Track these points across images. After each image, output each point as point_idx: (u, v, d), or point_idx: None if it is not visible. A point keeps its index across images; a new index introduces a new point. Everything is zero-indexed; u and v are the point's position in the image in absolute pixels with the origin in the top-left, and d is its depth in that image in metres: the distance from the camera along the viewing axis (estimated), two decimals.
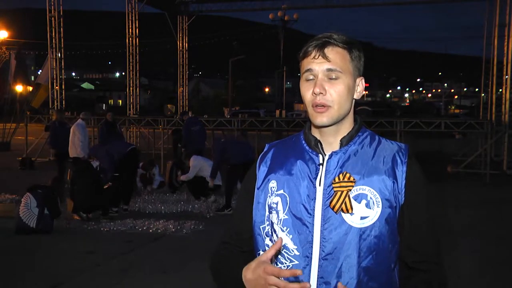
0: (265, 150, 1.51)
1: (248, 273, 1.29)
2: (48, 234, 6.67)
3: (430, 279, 1.37)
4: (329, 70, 1.33)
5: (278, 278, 1.22)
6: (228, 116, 21.66)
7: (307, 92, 1.35)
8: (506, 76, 14.36)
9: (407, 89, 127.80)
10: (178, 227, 7.05)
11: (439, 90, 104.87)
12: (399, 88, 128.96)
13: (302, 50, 1.37)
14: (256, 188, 1.46)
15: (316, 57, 1.34)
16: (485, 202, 9.50)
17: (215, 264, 1.51)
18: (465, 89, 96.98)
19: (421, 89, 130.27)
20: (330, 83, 1.33)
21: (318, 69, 1.33)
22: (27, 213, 6.67)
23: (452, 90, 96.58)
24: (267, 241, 1.43)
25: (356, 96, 1.40)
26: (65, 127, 10.18)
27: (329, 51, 1.33)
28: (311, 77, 1.35)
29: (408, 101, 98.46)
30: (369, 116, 17.34)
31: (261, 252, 1.44)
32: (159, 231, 6.89)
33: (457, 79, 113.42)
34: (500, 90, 15.20)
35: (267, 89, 71.69)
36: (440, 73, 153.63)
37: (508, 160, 13.28)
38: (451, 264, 5.31)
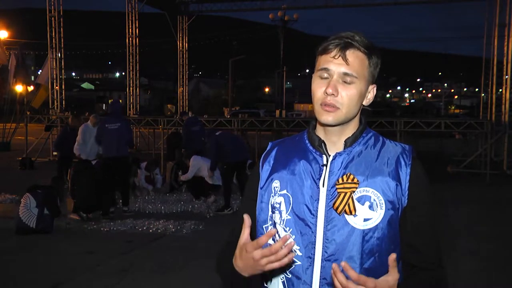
0: (268, 148, 1.51)
1: (237, 261, 1.30)
2: (48, 234, 6.67)
3: (430, 280, 1.37)
4: (346, 74, 1.32)
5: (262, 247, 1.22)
6: (228, 116, 21.68)
7: (318, 89, 1.34)
8: (506, 76, 14.35)
9: (407, 89, 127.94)
10: (178, 227, 7.04)
11: (439, 90, 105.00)
12: (399, 88, 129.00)
13: (323, 45, 1.35)
14: (259, 188, 1.46)
15: (336, 57, 1.32)
16: (485, 202, 9.50)
17: (219, 264, 1.51)
18: (465, 89, 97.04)
19: (421, 89, 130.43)
20: (343, 86, 1.32)
21: (335, 70, 1.32)
22: (27, 214, 6.66)
23: (452, 90, 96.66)
24: (270, 240, 1.43)
25: (365, 102, 1.40)
26: (75, 133, 10.06)
27: (350, 53, 1.32)
28: (326, 75, 1.33)
29: (408, 101, 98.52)
30: (369, 116, 17.34)
31: None
32: (159, 231, 6.89)
33: (457, 79, 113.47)
34: (500, 90, 15.20)
35: (267, 89, 71.65)
36: (440, 73, 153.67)
37: (508, 160, 13.27)
38: (451, 264, 5.31)
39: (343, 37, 1.34)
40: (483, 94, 19.49)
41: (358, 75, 1.33)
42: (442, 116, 39.57)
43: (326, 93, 1.32)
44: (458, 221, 7.71)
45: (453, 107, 69.45)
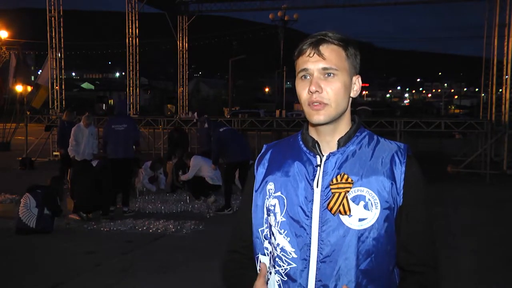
0: (262, 151, 1.50)
1: None
2: (48, 234, 6.67)
3: (423, 282, 1.35)
4: (325, 68, 1.31)
5: None
6: (228, 116, 21.66)
7: (303, 91, 1.34)
8: (506, 76, 14.35)
9: (407, 89, 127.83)
10: (178, 227, 7.04)
11: (439, 90, 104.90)
12: (399, 88, 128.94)
13: (297, 49, 1.36)
14: (254, 191, 1.45)
15: (311, 55, 1.32)
16: (485, 202, 9.50)
17: (227, 279, 1.51)
18: (465, 89, 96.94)
19: (421, 89, 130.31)
20: (326, 81, 1.31)
21: (313, 68, 1.32)
22: (27, 214, 6.66)
23: (452, 90, 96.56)
24: (266, 244, 1.42)
25: (353, 94, 1.38)
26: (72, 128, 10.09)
27: (324, 48, 1.32)
28: (307, 76, 1.33)
29: (408, 100, 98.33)
30: (369, 116, 17.32)
31: (260, 256, 1.44)
32: (159, 231, 6.89)
33: (457, 79, 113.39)
34: (500, 90, 15.20)
35: (267, 89, 71.61)
36: (440, 73, 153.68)
37: (508, 160, 13.28)
38: (451, 264, 5.30)
39: (315, 35, 1.34)
40: (483, 94, 19.48)
41: (338, 67, 1.32)
42: (442, 116, 39.53)
43: (310, 91, 1.31)
44: (458, 221, 7.71)
45: (453, 107, 69.41)
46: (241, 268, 1.47)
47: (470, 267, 5.50)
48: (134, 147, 8.27)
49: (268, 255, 1.42)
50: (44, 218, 6.73)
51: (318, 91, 1.30)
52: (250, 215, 1.46)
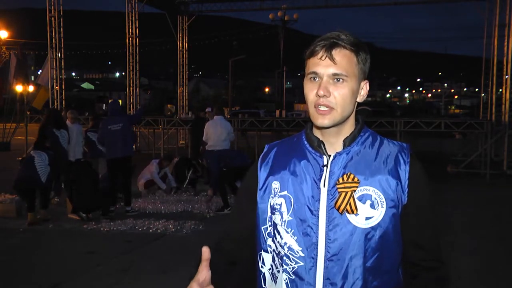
0: (265, 150, 1.50)
1: None
2: (47, 234, 6.65)
3: (439, 277, 1.38)
4: (335, 74, 1.32)
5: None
6: (228, 116, 21.67)
7: (310, 92, 1.35)
8: (506, 76, 14.36)
9: (407, 89, 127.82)
10: (178, 227, 7.04)
11: (439, 90, 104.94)
12: (399, 88, 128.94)
13: (310, 49, 1.35)
14: (258, 189, 1.45)
15: (323, 58, 1.32)
16: (485, 202, 9.50)
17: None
18: (465, 89, 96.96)
19: (421, 89, 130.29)
20: (334, 86, 1.32)
21: (324, 72, 1.32)
22: (44, 168, 7.10)
23: (452, 90, 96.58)
24: (269, 241, 1.43)
25: (359, 99, 1.40)
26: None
27: (337, 53, 1.32)
28: (316, 78, 1.34)
29: (408, 100, 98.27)
30: (369, 116, 17.28)
31: (262, 253, 1.45)
32: (159, 231, 6.89)
33: (457, 79, 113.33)
34: (500, 90, 15.21)
35: (267, 89, 71.66)
36: (440, 73, 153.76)
37: (508, 160, 13.28)
38: (451, 264, 5.30)
39: (328, 37, 1.34)
40: (483, 94, 19.50)
41: (348, 73, 1.32)
42: (442, 116, 39.56)
43: (318, 95, 1.32)
44: (458, 221, 7.70)
45: (453, 107, 69.52)
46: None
47: (470, 267, 5.50)
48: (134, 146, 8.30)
49: (271, 253, 1.43)
50: (50, 178, 7.27)
51: (326, 96, 1.32)
52: (249, 210, 1.47)
